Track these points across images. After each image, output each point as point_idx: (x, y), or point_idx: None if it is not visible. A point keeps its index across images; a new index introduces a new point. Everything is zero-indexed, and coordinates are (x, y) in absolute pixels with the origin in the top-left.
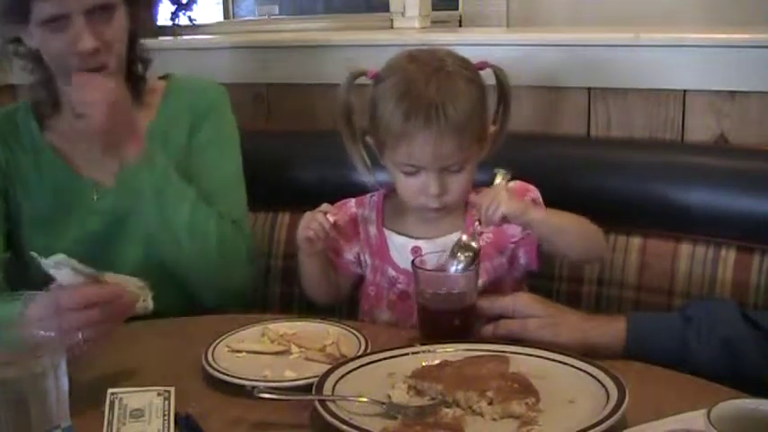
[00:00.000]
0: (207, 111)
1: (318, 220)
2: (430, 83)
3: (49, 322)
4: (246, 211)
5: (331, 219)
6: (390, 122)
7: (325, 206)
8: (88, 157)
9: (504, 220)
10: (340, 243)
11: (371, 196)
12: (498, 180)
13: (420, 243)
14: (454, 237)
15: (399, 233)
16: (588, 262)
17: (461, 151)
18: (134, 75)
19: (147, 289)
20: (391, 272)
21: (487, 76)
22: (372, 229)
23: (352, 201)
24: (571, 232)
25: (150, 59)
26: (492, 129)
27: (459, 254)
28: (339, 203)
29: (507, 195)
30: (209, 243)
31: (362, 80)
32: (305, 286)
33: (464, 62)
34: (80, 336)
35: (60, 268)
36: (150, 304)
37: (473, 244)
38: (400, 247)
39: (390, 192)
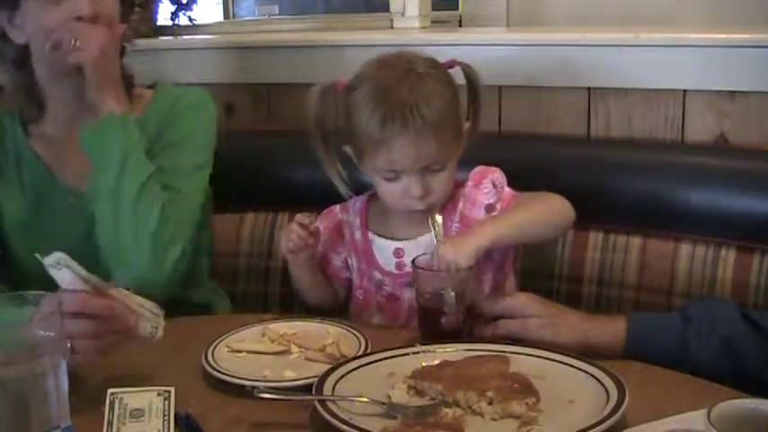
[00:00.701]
0: (181, 111)
1: (295, 231)
2: (402, 86)
3: (49, 323)
4: (195, 222)
5: (306, 220)
6: (368, 130)
7: (299, 216)
8: (68, 163)
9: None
10: (328, 251)
11: (355, 201)
12: (433, 232)
13: (402, 244)
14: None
15: (382, 236)
16: (558, 237)
17: (441, 150)
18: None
19: (160, 317)
20: (377, 275)
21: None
22: (357, 234)
23: (337, 207)
24: (531, 223)
25: (133, 76)
26: (466, 125)
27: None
28: (325, 211)
29: (449, 249)
30: (150, 219)
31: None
32: (301, 295)
33: (433, 62)
34: (68, 345)
35: (59, 268)
36: (159, 333)
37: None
38: (384, 249)
39: (374, 195)
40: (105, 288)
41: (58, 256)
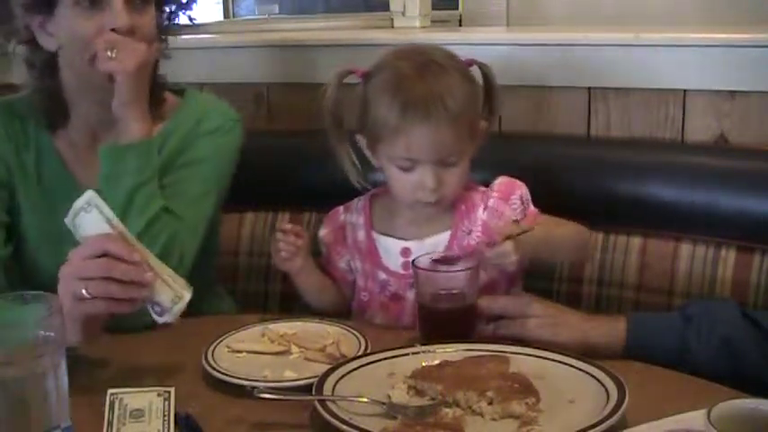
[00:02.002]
0: (204, 133)
1: (280, 239)
2: (425, 75)
3: (49, 323)
4: (194, 249)
5: (287, 227)
6: (388, 117)
7: (279, 226)
8: (88, 166)
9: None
10: (332, 254)
11: (358, 200)
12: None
13: (409, 244)
14: (443, 236)
15: (388, 235)
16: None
17: (458, 142)
18: (153, 95)
19: (186, 297)
20: (382, 275)
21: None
22: (361, 234)
23: (341, 208)
24: (567, 241)
25: (165, 83)
26: (482, 124)
27: None
28: (329, 213)
29: (511, 247)
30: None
31: (348, 79)
32: (308, 302)
33: (453, 56)
34: (84, 291)
35: (89, 210)
36: (178, 308)
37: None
38: (389, 249)
39: (378, 194)
40: (131, 239)
41: (89, 195)
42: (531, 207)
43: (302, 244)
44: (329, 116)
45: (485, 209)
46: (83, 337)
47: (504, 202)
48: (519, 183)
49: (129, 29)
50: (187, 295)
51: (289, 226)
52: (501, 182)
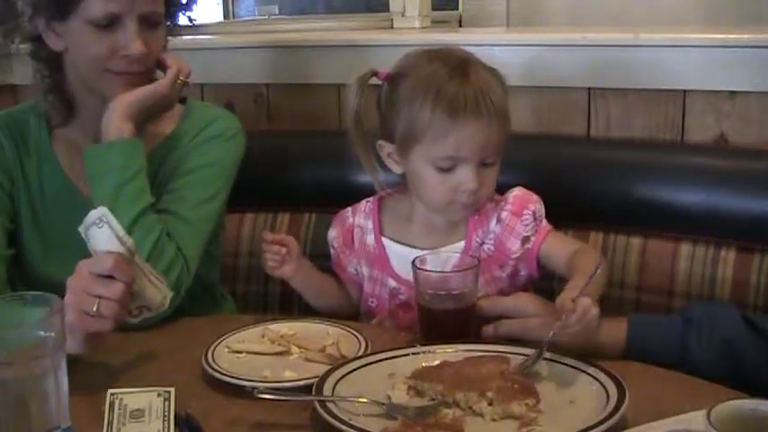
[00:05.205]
0: (207, 139)
1: (265, 249)
2: (467, 74)
3: (50, 323)
4: (198, 253)
5: (269, 237)
6: (432, 117)
7: (263, 235)
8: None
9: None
10: (340, 257)
11: (366, 202)
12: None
13: (424, 254)
14: (457, 246)
15: (400, 243)
16: None
17: (500, 139)
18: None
19: (170, 295)
20: (392, 282)
21: None
22: (369, 239)
23: (349, 210)
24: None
25: None
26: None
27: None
28: (338, 215)
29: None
30: (140, 251)
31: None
32: (314, 306)
33: (476, 57)
34: (94, 308)
35: (100, 225)
36: (155, 312)
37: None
38: (402, 257)
39: (387, 197)
40: (137, 257)
41: (101, 210)
42: (544, 223)
43: (288, 252)
44: (353, 121)
45: (497, 221)
46: (83, 350)
47: (517, 217)
48: (534, 197)
49: (144, 55)
50: (170, 294)
51: (270, 236)
52: (516, 194)
